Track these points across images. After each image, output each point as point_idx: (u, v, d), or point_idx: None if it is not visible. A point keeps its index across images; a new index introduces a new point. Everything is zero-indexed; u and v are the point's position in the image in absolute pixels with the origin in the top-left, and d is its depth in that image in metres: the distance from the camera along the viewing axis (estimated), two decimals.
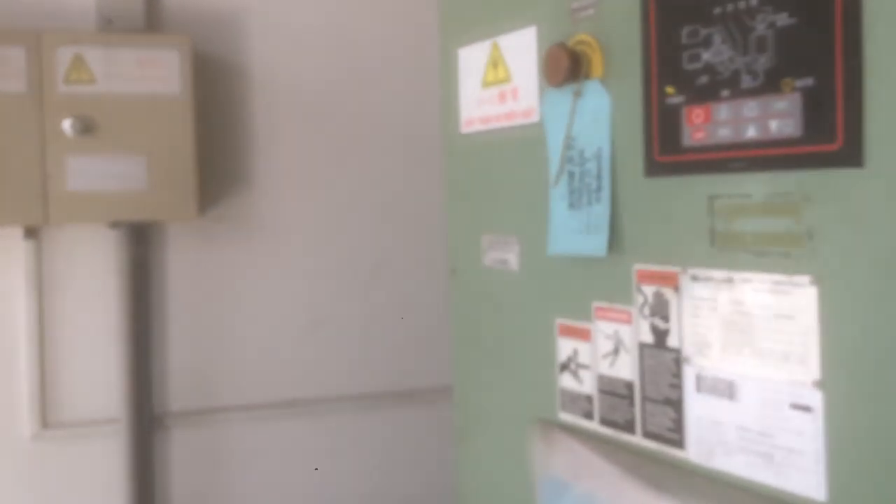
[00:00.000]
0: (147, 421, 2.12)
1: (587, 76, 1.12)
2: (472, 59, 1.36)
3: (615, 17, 1.08)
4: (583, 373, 1.20)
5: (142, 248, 2.12)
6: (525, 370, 1.31)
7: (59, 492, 2.06)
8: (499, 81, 1.30)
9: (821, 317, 0.87)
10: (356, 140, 2.30)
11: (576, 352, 1.21)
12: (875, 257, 0.81)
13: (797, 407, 0.91)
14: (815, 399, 0.88)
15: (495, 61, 1.30)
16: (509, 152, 1.30)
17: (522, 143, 1.27)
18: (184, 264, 2.18)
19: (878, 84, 0.79)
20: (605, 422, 1.17)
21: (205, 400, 2.20)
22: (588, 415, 1.19)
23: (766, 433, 0.94)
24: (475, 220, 1.40)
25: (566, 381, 1.23)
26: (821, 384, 0.88)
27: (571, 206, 1.16)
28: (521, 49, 1.24)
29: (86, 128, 1.96)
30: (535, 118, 1.23)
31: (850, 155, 0.82)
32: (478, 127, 1.36)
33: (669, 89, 1.01)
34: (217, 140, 2.16)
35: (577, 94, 1.13)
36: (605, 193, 1.11)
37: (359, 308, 2.31)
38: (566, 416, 1.23)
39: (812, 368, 0.88)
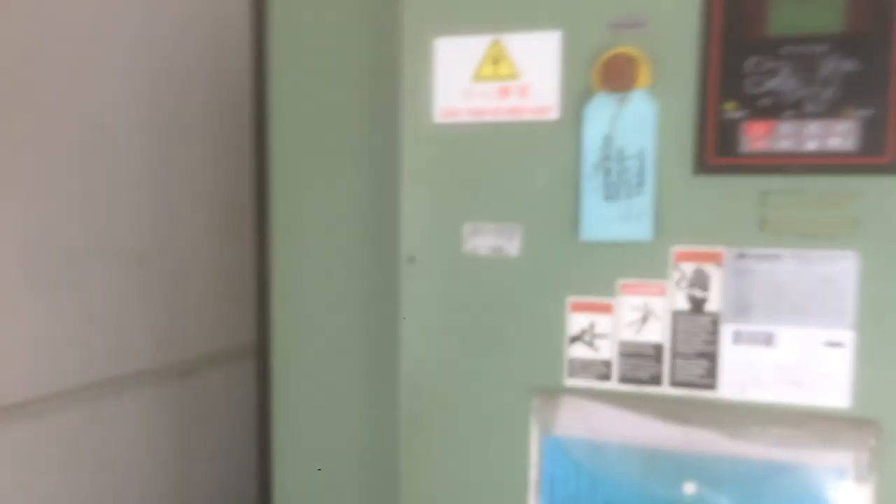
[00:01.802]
0: None
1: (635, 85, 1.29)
2: (458, 51, 1.39)
3: (666, 36, 1.28)
4: (599, 342, 1.38)
5: None
6: (520, 348, 1.42)
7: None
8: (500, 77, 1.37)
9: (861, 280, 1.23)
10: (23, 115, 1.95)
11: (592, 325, 1.38)
12: None
13: (831, 344, 1.26)
14: (848, 338, 1.25)
15: (496, 58, 1.36)
16: (512, 145, 1.38)
17: (532, 137, 1.37)
18: None
19: None
20: (625, 380, 1.37)
21: None
22: (604, 377, 1.38)
23: (800, 367, 1.28)
24: (451, 208, 1.44)
25: (578, 351, 1.39)
26: (854, 327, 1.24)
27: (608, 197, 1.32)
28: (538, 51, 1.34)
29: None
30: (552, 116, 1.35)
31: None
32: (464, 118, 1.40)
33: (729, 105, 1.25)
34: None
35: (622, 100, 1.29)
36: (648, 188, 1.30)
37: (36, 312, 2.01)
38: (575, 382, 1.40)
39: (847, 318, 1.24)
